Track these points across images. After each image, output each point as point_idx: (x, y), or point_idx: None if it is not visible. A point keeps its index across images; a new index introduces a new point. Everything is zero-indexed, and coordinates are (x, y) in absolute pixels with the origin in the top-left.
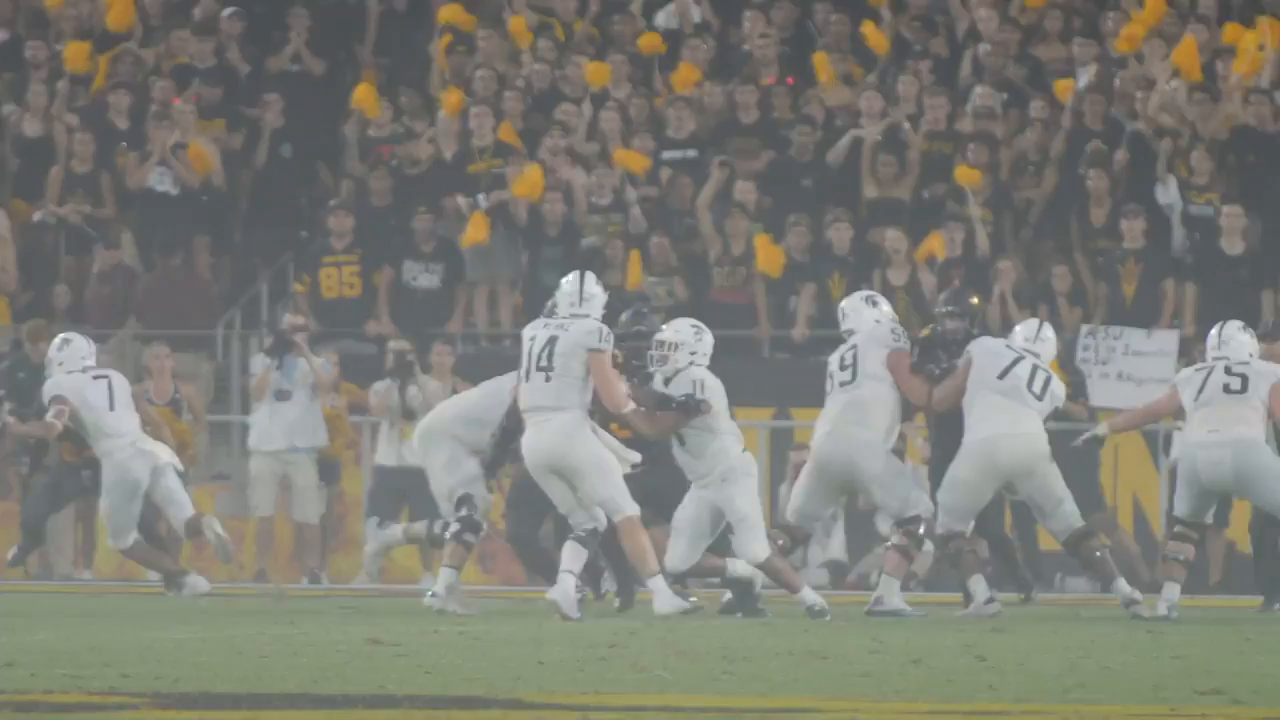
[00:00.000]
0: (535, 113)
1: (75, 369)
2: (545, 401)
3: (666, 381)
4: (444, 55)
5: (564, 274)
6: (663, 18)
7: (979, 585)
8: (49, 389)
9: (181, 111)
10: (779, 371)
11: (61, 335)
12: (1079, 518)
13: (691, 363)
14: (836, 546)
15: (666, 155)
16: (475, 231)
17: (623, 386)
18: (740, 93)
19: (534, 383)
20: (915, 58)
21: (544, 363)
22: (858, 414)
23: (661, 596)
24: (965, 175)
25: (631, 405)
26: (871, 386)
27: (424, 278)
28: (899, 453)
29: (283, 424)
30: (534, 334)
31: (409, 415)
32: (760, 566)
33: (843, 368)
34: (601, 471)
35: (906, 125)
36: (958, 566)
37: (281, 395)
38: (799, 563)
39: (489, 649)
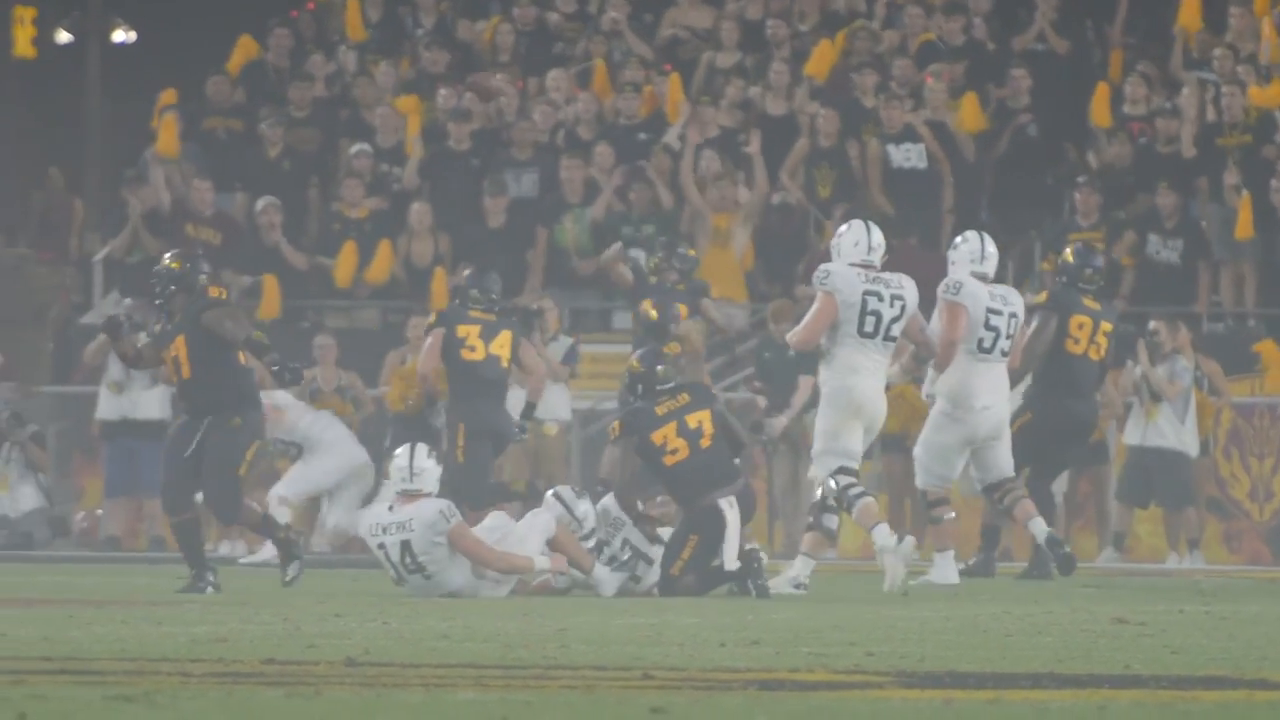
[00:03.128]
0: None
1: None
2: None
3: None
4: (1191, 34)
5: None
6: None
7: None
8: None
9: (933, 90)
10: None
11: None
12: None
13: None
14: None
15: None
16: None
17: None
18: None
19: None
20: None
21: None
22: None
23: None
24: None
25: None
26: None
27: (1164, 253)
28: None
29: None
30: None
31: (1155, 396)
32: None
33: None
34: None
35: None
36: None
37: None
38: None
39: (1235, 629)
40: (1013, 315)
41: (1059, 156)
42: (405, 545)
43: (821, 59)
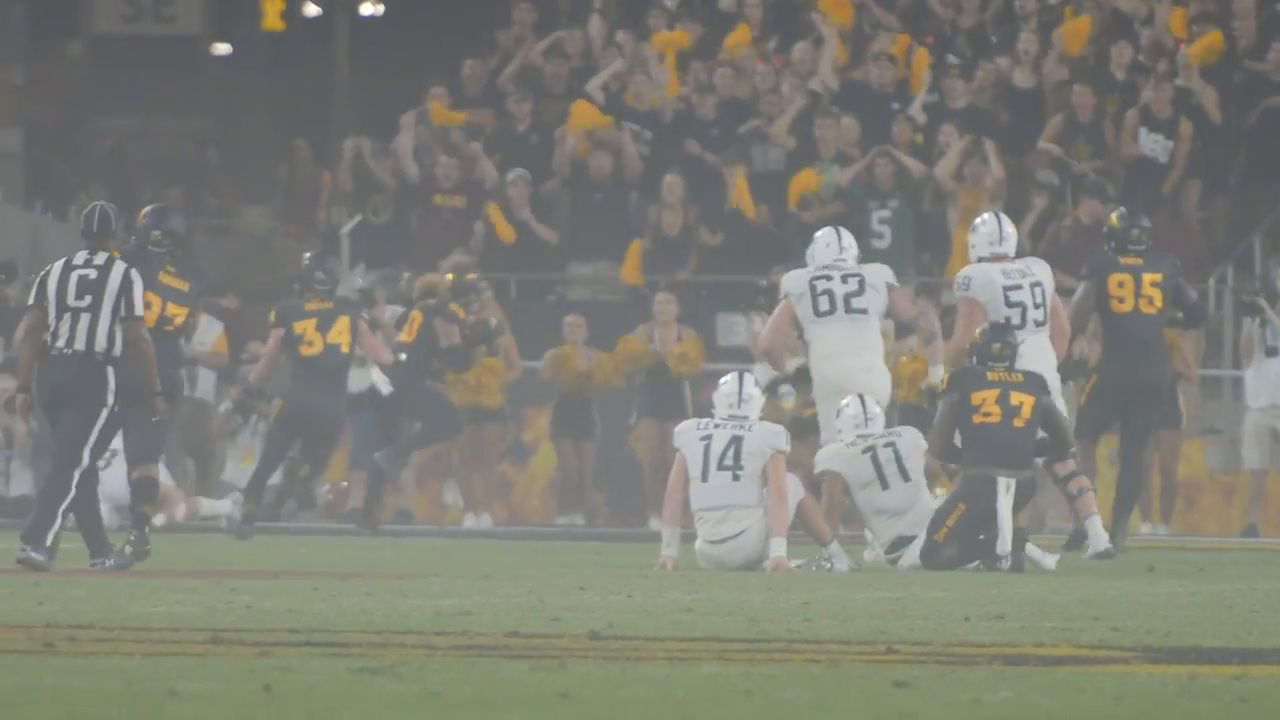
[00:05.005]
0: None
1: None
2: None
3: None
4: None
5: None
6: None
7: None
8: None
9: (1187, 70)
10: None
11: None
12: None
13: None
14: None
15: None
16: None
17: None
18: None
19: None
20: None
21: None
22: None
23: None
24: None
25: None
26: None
27: None
28: None
29: (1268, 380)
30: None
31: None
32: None
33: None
34: None
35: None
36: None
37: (1271, 352)
38: None
39: None
40: (1035, 284)
41: None
42: (737, 440)
43: (1076, 35)
